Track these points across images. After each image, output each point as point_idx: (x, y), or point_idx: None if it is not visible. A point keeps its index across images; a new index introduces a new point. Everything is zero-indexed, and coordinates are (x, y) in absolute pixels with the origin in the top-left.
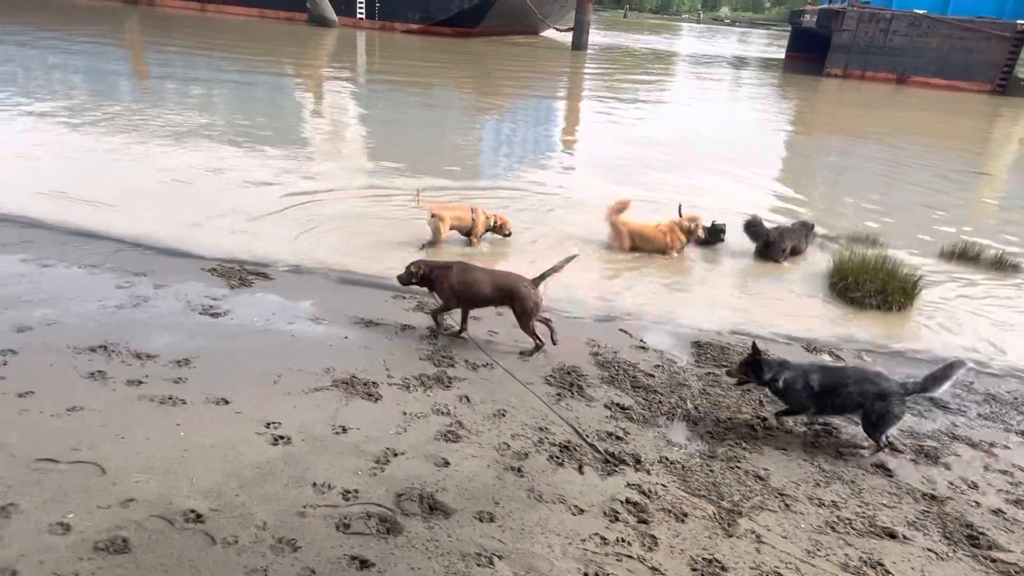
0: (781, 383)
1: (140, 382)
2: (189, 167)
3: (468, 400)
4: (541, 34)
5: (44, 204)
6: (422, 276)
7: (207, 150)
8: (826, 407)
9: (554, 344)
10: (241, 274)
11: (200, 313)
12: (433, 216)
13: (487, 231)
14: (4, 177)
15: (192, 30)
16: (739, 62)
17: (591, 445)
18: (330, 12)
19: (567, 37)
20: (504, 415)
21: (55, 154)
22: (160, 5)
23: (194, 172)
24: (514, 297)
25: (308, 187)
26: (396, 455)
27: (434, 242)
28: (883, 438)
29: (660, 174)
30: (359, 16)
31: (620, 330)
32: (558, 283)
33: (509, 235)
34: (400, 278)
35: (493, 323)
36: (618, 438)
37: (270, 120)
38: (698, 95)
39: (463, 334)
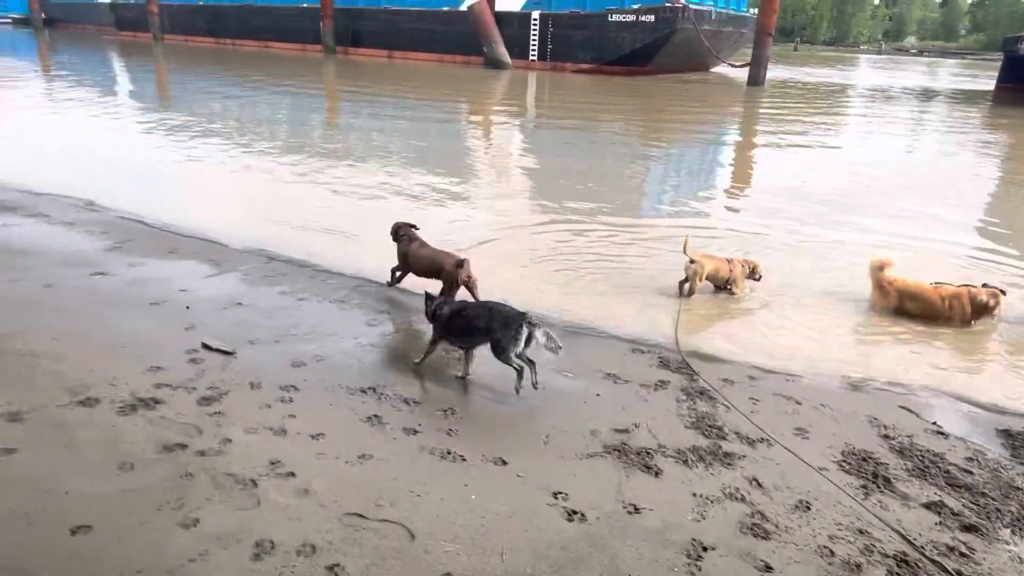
0: None
1: (415, 431)
2: (379, 200)
3: (759, 484)
4: (712, 70)
5: (284, 237)
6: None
7: (393, 183)
8: None
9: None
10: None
11: (449, 359)
12: (693, 262)
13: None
14: (239, 211)
15: (380, 75)
16: (933, 95)
17: (935, 562)
18: (504, 55)
19: (740, 73)
20: (808, 508)
21: (277, 191)
22: (353, 54)
23: (390, 207)
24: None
25: (498, 223)
26: (706, 549)
27: (691, 290)
28: None
29: (872, 218)
30: (531, 58)
31: (901, 407)
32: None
33: (759, 279)
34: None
35: (748, 391)
36: (962, 555)
37: (446, 157)
38: (895, 131)
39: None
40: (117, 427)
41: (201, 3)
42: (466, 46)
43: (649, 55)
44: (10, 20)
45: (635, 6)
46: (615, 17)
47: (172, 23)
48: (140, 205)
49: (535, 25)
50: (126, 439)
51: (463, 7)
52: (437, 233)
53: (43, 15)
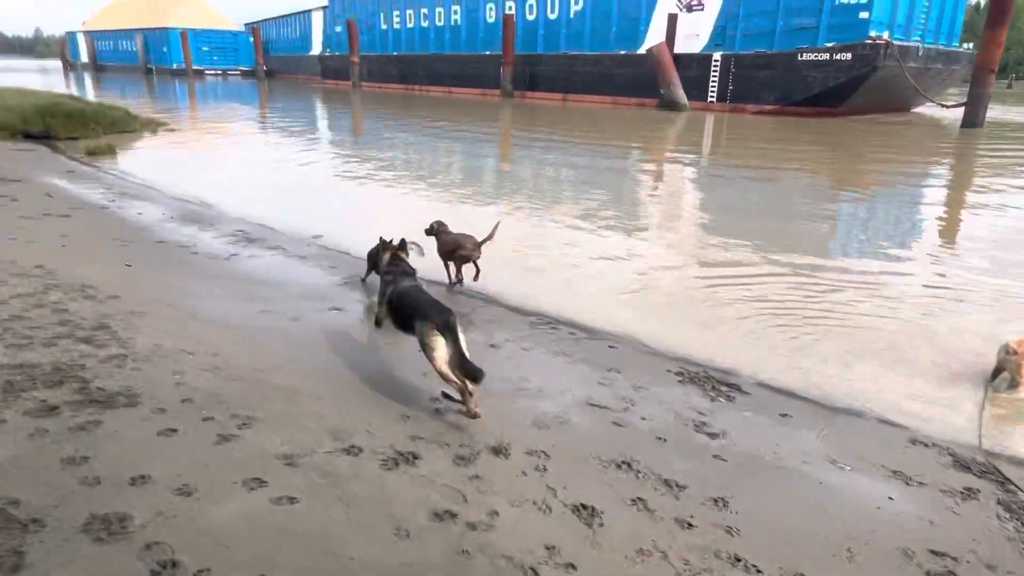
0: None
1: (690, 524)
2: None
3: None
4: (913, 111)
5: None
6: None
7: (578, 225)
8: None
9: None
10: (711, 382)
11: (695, 430)
12: (1014, 354)
13: None
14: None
15: (554, 117)
16: None
17: None
18: (682, 97)
19: (949, 114)
20: None
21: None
22: (529, 97)
23: (575, 251)
24: None
25: (689, 272)
26: None
27: (1013, 384)
28: None
29: None
30: (710, 99)
31: None
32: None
33: None
34: None
35: None
36: None
37: (621, 200)
38: None
39: None
40: (385, 484)
41: (395, 54)
42: (641, 88)
43: (843, 96)
44: (239, 72)
45: (829, 44)
46: (806, 56)
47: (369, 72)
48: (355, 241)
49: (716, 66)
50: (396, 499)
51: (641, 50)
52: (624, 282)
53: (265, 67)
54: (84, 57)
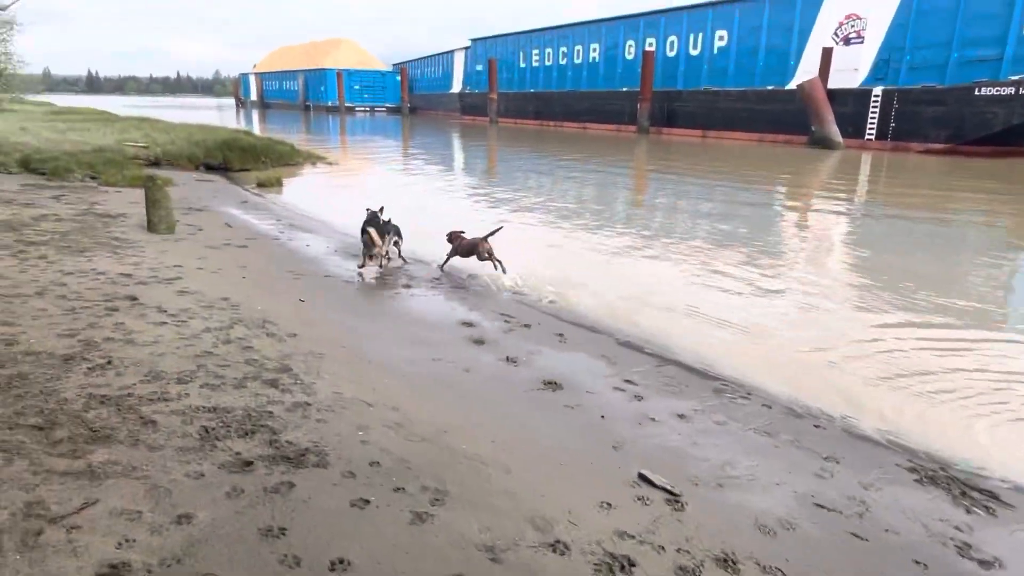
0: None
1: None
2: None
3: None
4: None
5: (648, 323)
6: None
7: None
8: None
9: None
10: (957, 485)
11: (959, 553)
12: None
13: None
14: (592, 287)
15: (692, 154)
16: None
17: None
18: (835, 134)
19: None
20: None
21: (606, 268)
22: (666, 134)
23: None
24: None
25: (856, 334)
26: None
27: None
28: None
29: None
30: (867, 137)
31: None
32: None
33: None
34: None
35: None
36: None
37: (777, 245)
38: None
39: None
40: None
41: (532, 91)
42: (788, 124)
43: None
44: (385, 109)
45: (1015, 77)
46: (985, 91)
47: (506, 108)
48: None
49: (875, 101)
50: None
51: (791, 85)
52: (805, 341)
53: (409, 105)
54: (253, 95)
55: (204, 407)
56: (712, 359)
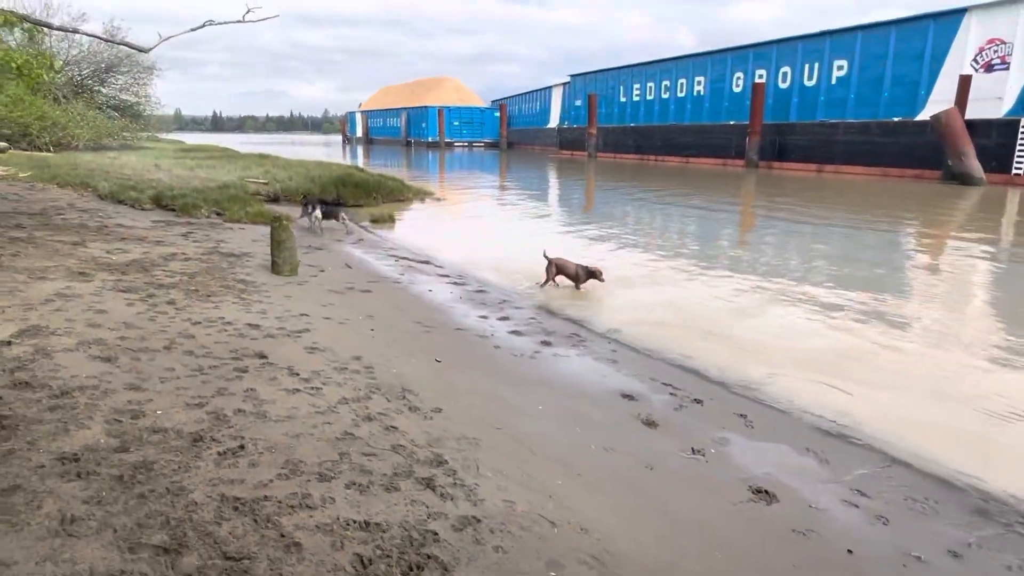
0: None
1: None
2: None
3: None
4: None
5: (813, 395)
6: None
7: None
8: None
9: None
10: None
11: None
12: None
13: None
14: (733, 344)
15: (804, 192)
16: None
17: None
18: (977, 169)
19: None
20: None
21: (738, 319)
22: (777, 168)
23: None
24: None
25: None
26: None
27: None
28: None
29: None
30: (1015, 172)
31: None
32: None
33: None
34: None
35: None
36: None
37: (863, 278)
38: None
39: None
40: None
41: (632, 125)
42: (918, 158)
43: None
44: (483, 144)
45: None
46: None
47: (605, 142)
48: (658, 340)
49: None
50: None
51: (922, 116)
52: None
53: (507, 140)
54: (359, 132)
55: (354, 521)
56: (941, 456)
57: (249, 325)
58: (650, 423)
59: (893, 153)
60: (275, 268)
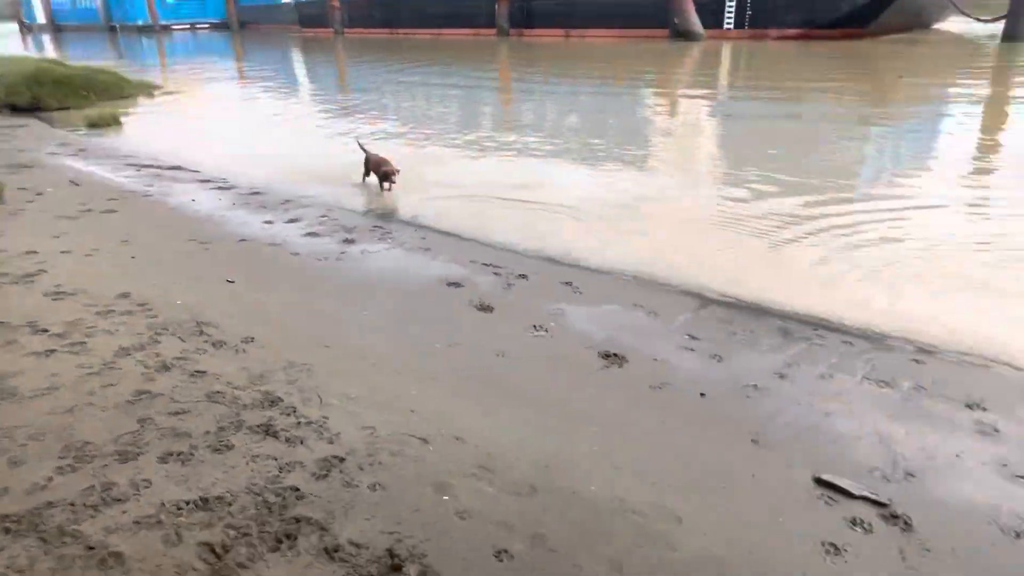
0: None
1: None
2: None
3: None
4: (934, 27)
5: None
6: None
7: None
8: None
9: None
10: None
11: None
12: None
13: None
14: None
15: (554, 55)
16: None
17: None
18: (696, 25)
19: (988, 29)
20: None
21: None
22: (528, 35)
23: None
24: None
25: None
26: None
27: None
28: None
29: None
30: (726, 26)
31: None
32: None
33: None
34: None
35: None
36: None
37: (615, 134)
38: None
39: None
40: None
41: None
42: (650, 18)
43: (873, 14)
44: (208, 25)
45: None
46: None
47: (351, 17)
48: (464, 221)
49: None
50: None
51: None
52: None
53: (237, 19)
54: (41, 18)
55: (186, 503)
56: (739, 289)
57: None
58: (485, 307)
59: (627, 15)
60: None
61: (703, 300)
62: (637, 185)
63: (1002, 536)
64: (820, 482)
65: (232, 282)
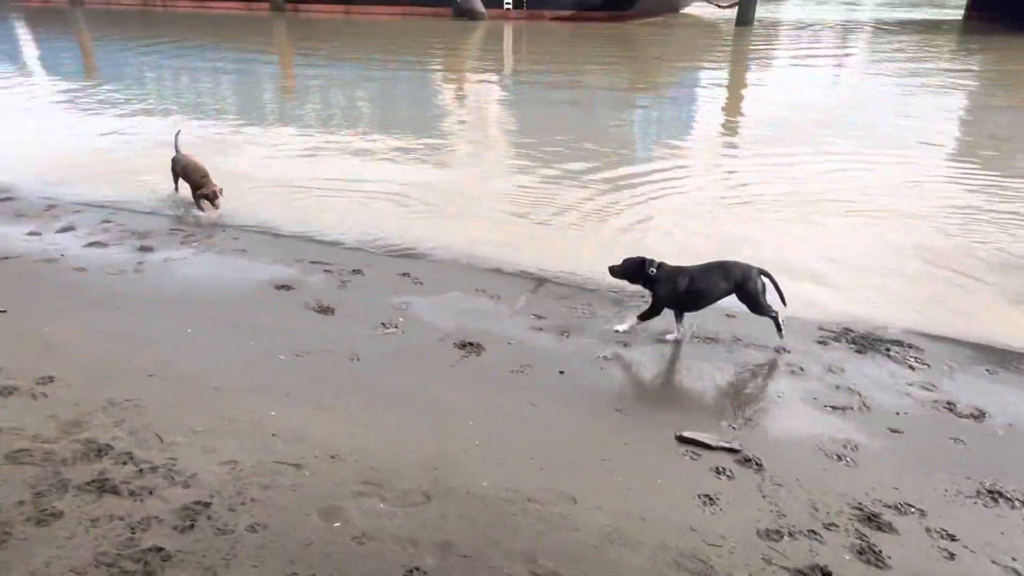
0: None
1: None
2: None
3: None
4: (683, 11)
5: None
6: None
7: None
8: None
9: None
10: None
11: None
12: None
13: None
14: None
15: (336, 33)
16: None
17: None
18: (479, 5)
19: (720, 14)
20: None
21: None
22: (305, 10)
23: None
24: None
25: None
26: None
27: None
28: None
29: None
30: (506, 7)
31: None
32: None
33: None
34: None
35: None
36: None
37: (422, 122)
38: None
39: None
40: None
41: None
42: None
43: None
44: None
45: None
46: None
47: None
48: (271, 213)
49: None
50: None
51: None
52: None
53: None
54: None
55: None
56: (556, 265)
57: None
58: (325, 309)
59: None
60: None
61: (534, 278)
62: (444, 170)
63: (828, 459)
64: (682, 439)
65: (3, 311)
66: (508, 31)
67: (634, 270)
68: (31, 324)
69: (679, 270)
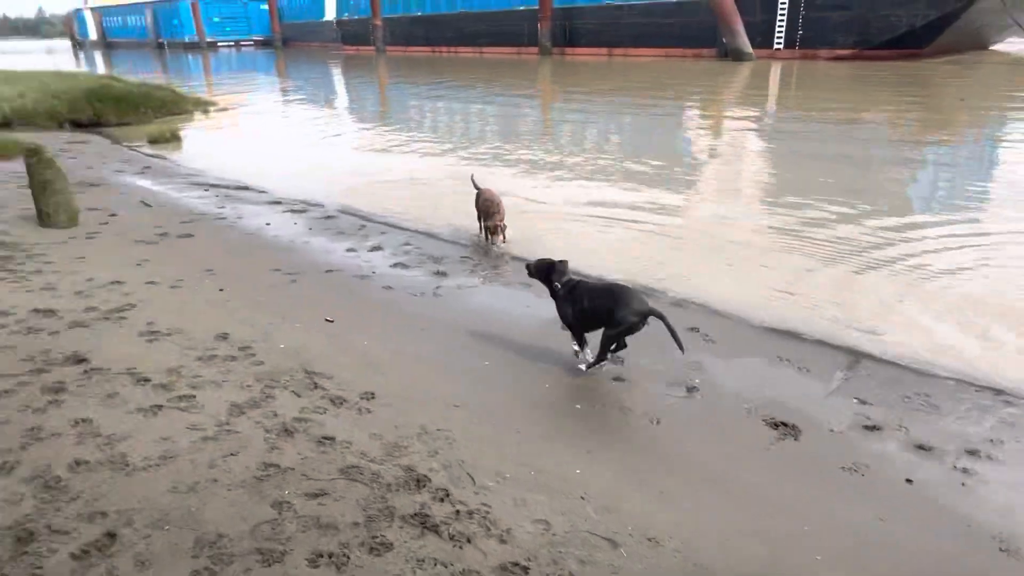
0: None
1: None
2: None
3: None
4: (992, 48)
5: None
6: None
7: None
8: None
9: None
10: None
11: None
12: None
13: None
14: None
15: (597, 75)
16: None
17: None
18: (746, 45)
19: None
20: None
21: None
22: (570, 54)
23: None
24: None
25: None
26: None
27: None
28: None
29: None
30: (776, 46)
31: None
32: None
33: None
34: None
35: None
36: None
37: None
38: None
39: None
40: None
41: (420, 14)
42: (697, 38)
43: (931, 35)
44: (252, 43)
45: None
46: None
47: (393, 35)
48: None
49: (783, 8)
50: None
51: None
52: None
53: (280, 36)
54: (93, 35)
55: None
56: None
57: (37, 311)
58: (618, 378)
59: (674, 34)
60: (44, 219)
61: (850, 353)
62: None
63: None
64: None
65: (331, 321)
66: (776, 71)
67: None
68: (352, 338)
69: None
